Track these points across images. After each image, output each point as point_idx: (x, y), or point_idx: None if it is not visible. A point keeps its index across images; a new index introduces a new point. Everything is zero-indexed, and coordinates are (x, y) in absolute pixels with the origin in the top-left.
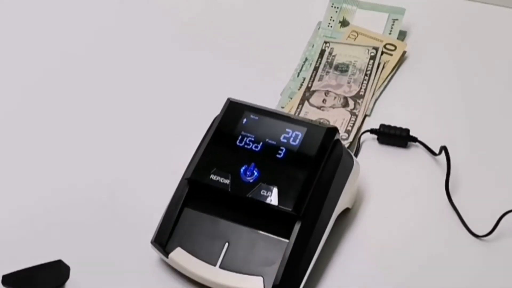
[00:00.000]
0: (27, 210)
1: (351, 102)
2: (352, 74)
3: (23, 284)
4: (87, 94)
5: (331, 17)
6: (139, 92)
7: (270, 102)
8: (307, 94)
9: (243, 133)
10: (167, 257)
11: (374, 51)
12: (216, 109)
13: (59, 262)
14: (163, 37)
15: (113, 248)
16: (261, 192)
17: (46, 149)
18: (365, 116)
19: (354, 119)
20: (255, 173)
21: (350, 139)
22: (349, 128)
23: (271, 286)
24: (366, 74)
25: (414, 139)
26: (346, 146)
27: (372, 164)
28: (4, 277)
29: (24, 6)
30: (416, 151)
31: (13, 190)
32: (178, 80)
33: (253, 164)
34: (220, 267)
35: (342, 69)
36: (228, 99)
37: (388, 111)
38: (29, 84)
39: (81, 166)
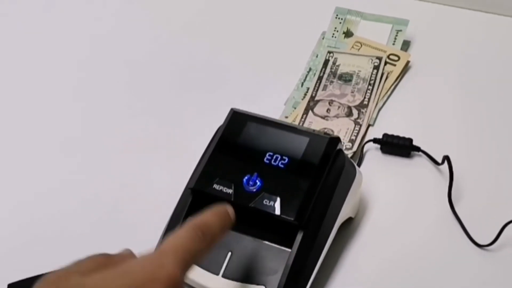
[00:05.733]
0: (32, 219)
1: (355, 112)
2: (356, 84)
3: None
4: (90, 103)
5: (335, 28)
6: (142, 100)
7: (274, 112)
8: (311, 103)
9: (246, 142)
10: None
11: (378, 61)
12: (219, 119)
13: None
14: (168, 46)
15: None
16: (264, 202)
17: (49, 156)
18: (368, 125)
19: (358, 129)
20: (258, 183)
21: (354, 148)
22: (353, 137)
23: None
24: (369, 84)
25: (417, 149)
26: (350, 155)
27: (375, 174)
28: (9, 286)
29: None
30: (419, 160)
31: (18, 198)
32: (182, 89)
33: (256, 173)
34: (223, 276)
35: (346, 78)
36: (232, 109)
37: (391, 121)
38: (27, 87)
39: (84, 176)
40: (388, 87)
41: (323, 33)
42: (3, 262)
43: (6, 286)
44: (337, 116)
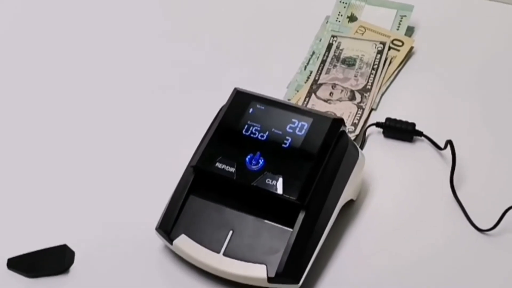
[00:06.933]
0: (33, 196)
1: (358, 96)
2: (359, 68)
3: (28, 268)
4: (94, 86)
5: (339, 12)
6: (147, 81)
7: (276, 94)
8: (314, 87)
9: (249, 122)
10: (171, 244)
11: (382, 45)
12: (222, 100)
13: (64, 247)
14: (173, 29)
15: (118, 234)
16: (266, 181)
17: (53, 139)
18: (371, 110)
19: (360, 113)
20: (261, 162)
21: (357, 132)
22: (356, 121)
23: (274, 274)
24: (373, 68)
25: (420, 133)
26: (352, 139)
27: (378, 158)
28: (9, 260)
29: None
30: (421, 145)
31: (19, 177)
32: (186, 70)
33: (258, 153)
34: (224, 254)
35: (349, 63)
36: (235, 89)
37: (394, 106)
38: (27, 80)
39: (88, 151)
40: (391, 72)
41: (327, 17)
42: (4, 239)
43: (6, 261)
44: (340, 100)
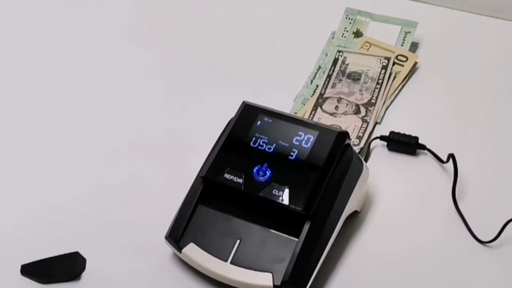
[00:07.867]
0: (46, 204)
1: (362, 110)
2: (364, 83)
3: (40, 274)
4: (102, 96)
5: (345, 28)
6: (157, 93)
7: (283, 107)
8: (320, 100)
9: (257, 134)
10: (180, 252)
11: (386, 61)
12: (231, 112)
13: (76, 254)
14: (180, 42)
15: (129, 242)
16: (273, 192)
17: (64, 149)
18: (376, 123)
19: (365, 126)
20: (268, 173)
21: (361, 145)
22: (360, 134)
23: (280, 282)
24: (377, 83)
25: (423, 147)
26: (357, 152)
27: (381, 170)
28: (23, 266)
29: None
30: (424, 158)
31: (32, 184)
32: (196, 83)
33: (266, 164)
34: (231, 263)
35: (355, 77)
36: (243, 102)
37: (398, 119)
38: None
39: (98, 162)
40: (395, 87)
41: (333, 33)
42: (18, 247)
43: (20, 267)
44: (345, 113)
